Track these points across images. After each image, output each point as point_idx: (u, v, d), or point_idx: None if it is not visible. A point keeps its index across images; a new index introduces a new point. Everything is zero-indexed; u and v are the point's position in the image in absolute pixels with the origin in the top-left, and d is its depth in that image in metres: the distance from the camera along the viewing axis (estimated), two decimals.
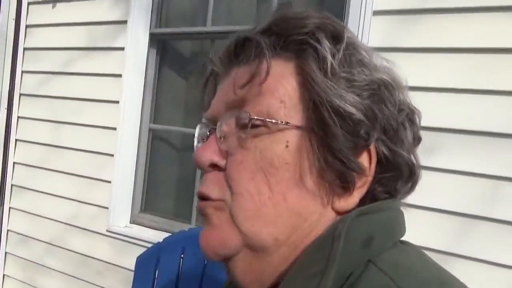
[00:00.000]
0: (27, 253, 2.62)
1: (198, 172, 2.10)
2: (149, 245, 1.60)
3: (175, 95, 2.33)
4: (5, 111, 2.69)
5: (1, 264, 2.74)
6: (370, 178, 0.45)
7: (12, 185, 2.70)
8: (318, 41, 0.45)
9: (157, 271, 1.39)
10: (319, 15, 0.47)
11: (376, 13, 1.61)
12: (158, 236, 1.95)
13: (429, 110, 1.52)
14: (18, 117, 2.69)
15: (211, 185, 0.47)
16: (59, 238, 2.46)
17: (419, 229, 1.49)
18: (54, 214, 2.48)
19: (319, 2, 1.95)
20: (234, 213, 0.45)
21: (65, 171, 2.44)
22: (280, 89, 0.45)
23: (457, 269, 1.46)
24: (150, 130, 2.29)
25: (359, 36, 1.62)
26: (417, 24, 1.56)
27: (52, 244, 2.49)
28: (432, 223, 1.49)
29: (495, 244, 1.42)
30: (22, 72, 2.67)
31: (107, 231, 2.25)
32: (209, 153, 0.47)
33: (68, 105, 2.45)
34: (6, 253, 2.73)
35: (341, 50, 0.45)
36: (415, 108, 0.49)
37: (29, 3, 2.68)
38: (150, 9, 2.25)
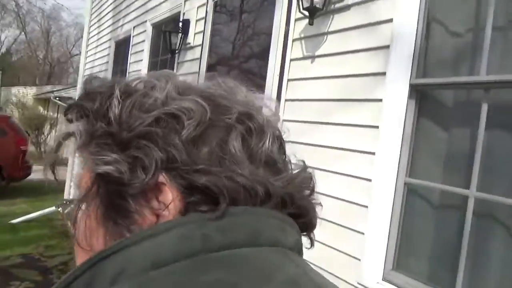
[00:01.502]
0: None
1: (465, 235, 1.89)
2: None
3: (434, 148, 2.18)
4: None
5: None
6: (172, 211, 0.45)
7: None
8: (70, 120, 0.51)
9: None
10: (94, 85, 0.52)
11: None
12: None
13: None
14: None
15: None
16: None
17: None
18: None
19: None
20: None
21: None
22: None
23: None
24: (405, 184, 2.20)
25: None
26: None
27: None
28: None
29: None
30: (283, 120, 2.98)
31: (358, 283, 2.23)
32: None
33: (323, 152, 2.59)
34: None
35: (105, 114, 0.47)
36: (245, 119, 0.49)
37: (291, 60, 3.00)
38: (411, 60, 2.20)
